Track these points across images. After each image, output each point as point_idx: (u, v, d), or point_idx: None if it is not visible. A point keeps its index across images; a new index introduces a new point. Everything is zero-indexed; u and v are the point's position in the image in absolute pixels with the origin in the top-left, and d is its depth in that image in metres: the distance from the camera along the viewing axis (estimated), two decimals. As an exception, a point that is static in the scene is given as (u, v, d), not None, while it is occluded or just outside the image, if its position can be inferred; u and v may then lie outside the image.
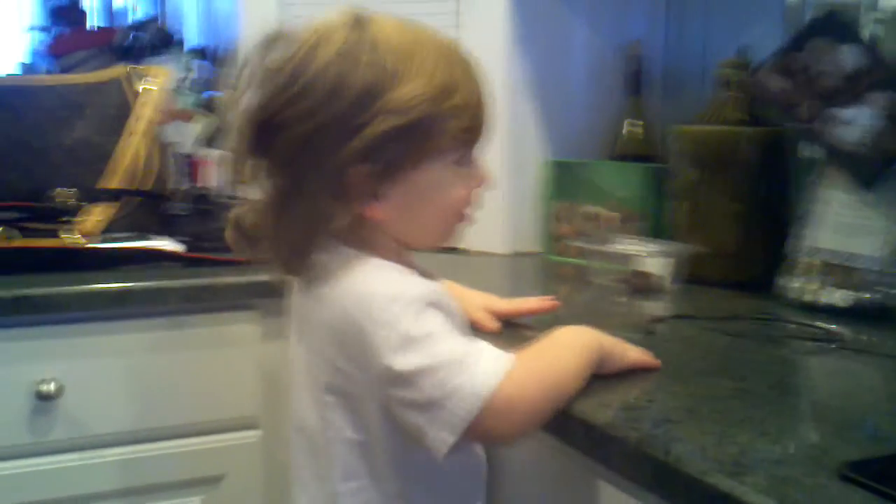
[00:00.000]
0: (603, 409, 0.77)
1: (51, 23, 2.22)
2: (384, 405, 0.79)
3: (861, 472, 0.62)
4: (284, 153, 0.80)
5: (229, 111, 0.83)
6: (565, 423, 0.79)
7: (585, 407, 0.78)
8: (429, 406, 0.74)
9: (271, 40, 0.82)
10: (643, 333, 1.04)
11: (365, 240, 0.84)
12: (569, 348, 0.83)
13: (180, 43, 1.96)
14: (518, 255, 1.61)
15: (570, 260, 1.55)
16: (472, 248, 1.61)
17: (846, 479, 0.62)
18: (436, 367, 0.74)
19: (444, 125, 0.81)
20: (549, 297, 1.09)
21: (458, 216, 0.88)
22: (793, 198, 1.32)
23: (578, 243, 1.44)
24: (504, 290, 1.40)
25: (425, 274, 0.88)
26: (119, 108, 1.54)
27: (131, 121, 1.53)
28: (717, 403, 0.80)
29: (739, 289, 1.32)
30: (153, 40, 1.93)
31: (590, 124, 1.67)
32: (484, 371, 0.75)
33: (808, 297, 1.22)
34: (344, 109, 0.78)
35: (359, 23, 0.81)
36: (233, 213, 0.87)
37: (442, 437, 0.74)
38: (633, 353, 0.89)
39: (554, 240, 1.60)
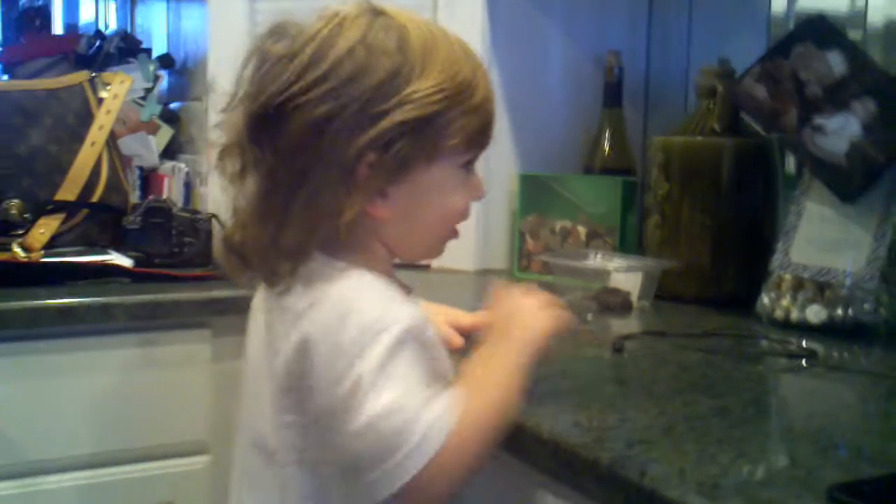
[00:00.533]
0: (572, 429, 0.72)
1: (14, 30, 2.15)
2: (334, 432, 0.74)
3: (851, 494, 0.57)
4: (294, 141, 0.75)
5: (221, 111, 0.79)
6: (530, 444, 0.74)
7: (553, 426, 0.73)
8: (368, 457, 0.70)
9: (276, 31, 0.78)
10: (611, 351, 1.00)
11: (355, 245, 0.79)
12: (517, 363, 0.78)
13: (147, 51, 1.89)
14: (485, 272, 1.56)
15: (539, 277, 1.50)
16: (437, 264, 1.56)
17: (835, 501, 0.57)
18: (382, 418, 0.69)
19: (461, 123, 0.78)
20: None
21: (451, 229, 0.86)
22: (773, 211, 1.28)
23: (546, 259, 1.40)
24: (468, 308, 1.35)
25: (403, 288, 0.83)
26: (79, 116, 1.47)
27: (93, 130, 1.47)
28: (693, 422, 0.75)
29: (714, 306, 1.28)
30: (119, 48, 1.86)
31: (566, 137, 1.62)
32: (425, 436, 0.69)
33: (779, 314, 1.18)
34: (367, 94, 0.75)
35: (378, 13, 0.79)
36: (222, 236, 0.84)
37: (377, 489, 0.70)
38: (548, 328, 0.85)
39: (523, 256, 1.55)
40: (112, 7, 2.49)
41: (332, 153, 0.75)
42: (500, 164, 1.56)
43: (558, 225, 1.52)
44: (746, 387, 0.88)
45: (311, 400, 0.75)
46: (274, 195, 0.77)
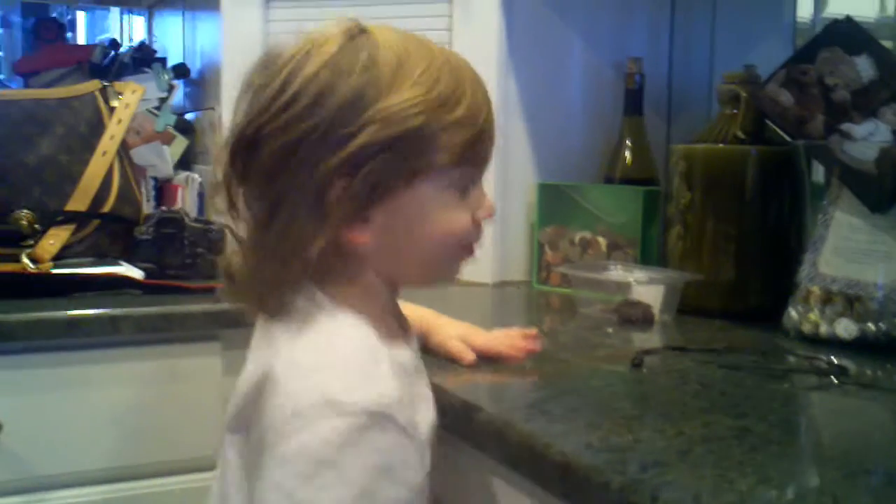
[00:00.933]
0: (584, 450, 0.68)
1: (31, 40, 2.15)
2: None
3: (881, 527, 0.53)
4: (265, 171, 0.73)
5: (211, 139, 0.77)
6: (541, 464, 0.70)
7: (564, 447, 0.69)
8: None
9: (261, 63, 0.76)
10: (629, 367, 0.96)
11: (346, 276, 0.76)
12: None
13: (162, 61, 1.88)
14: (504, 285, 1.52)
15: (558, 289, 1.47)
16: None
17: (863, 534, 0.53)
18: None
19: (443, 140, 0.73)
20: (530, 334, 0.98)
21: (458, 249, 0.80)
22: (799, 221, 1.23)
23: (565, 271, 1.36)
24: (487, 322, 1.31)
25: (401, 326, 0.80)
26: (91, 125, 1.45)
27: (104, 139, 1.45)
28: (712, 444, 0.71)
29: (739, 320, 1.23)
30: (133, 58, 1.86)
31: (586, 146, 1.59)
32: None
33: (808, 328, 1.13)
34: (330, 116, 0.71)
35: (356, 31, 0.76)
36: (222, 262, 0.80)
37: None
38: None
39: (542, 268, 1.51)
40: (138, 21, 2.50)
41: (302, 180, 0.72)
42: (517, 173, 1.53)
43: (578, 236, 1.48)
44: (771, 406, 0.84)
45: (250, 435, 0.72)
46: (254, 226, 0.75)
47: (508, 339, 0.98)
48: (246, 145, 0.74)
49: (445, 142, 0.74)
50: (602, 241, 1.46)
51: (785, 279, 1.21)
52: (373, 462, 0.67)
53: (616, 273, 1.32)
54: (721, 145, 1.29)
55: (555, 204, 1.51)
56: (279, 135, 0.72)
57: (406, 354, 0.79)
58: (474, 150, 0.76)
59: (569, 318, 1.28)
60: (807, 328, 1.13)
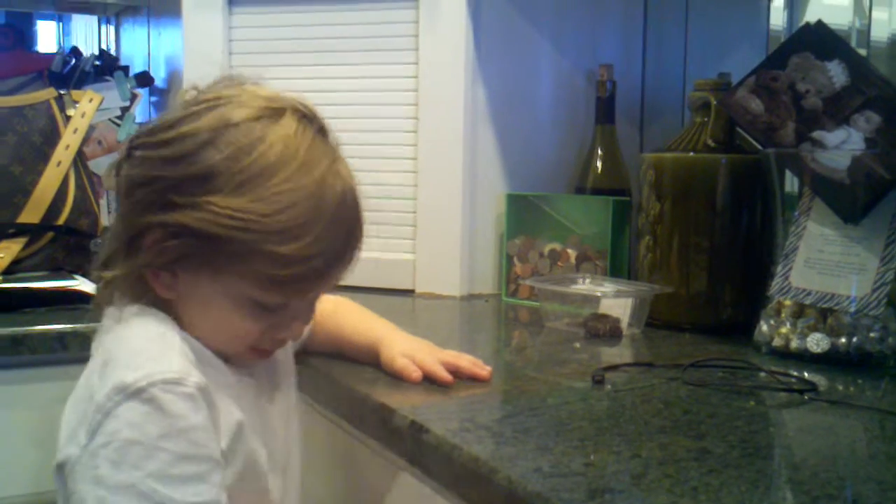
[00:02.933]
0: (531, 475, 0.64)
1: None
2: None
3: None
4: (121, 186, 0.78)
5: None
6: (486, 490, 0.66)
7: (511, 471, 0.65)
8: None
9: (192, 88, 0.80)
10: (590, 384, 0.92)
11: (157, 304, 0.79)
12: None
13: (124, 69, 1.84)
14: (472, 297, 1.48)
15: (526, 302, 1.43)
16: (422, 289, 1.48)
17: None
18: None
19: (258, 262, 0.73)
20: (479, 366, 0.93)
21: (244, 347, 0.81)
22: (770, 232, 1.20)
23: (533, 283, 1.32)
24: (453, 336, 1.28)
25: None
26: (45, 134, 1.42)
27: (59, 149, 1.41)
28: (668, 467, 0.67)
29: (709, 334, 1.20)
30: (95, 66, 1.81)
31: (556, 155, 1.55)
32: None
33: (778, 342, 1.10)
34: (175, 180, 0.73)
35: (272, 112, 0.75)
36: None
37: None
38: None
39: (511, 280, 1.47)
40: (109, 31, 2.45)
41: (133, 212, 0.76)
42: (486, 183, 1.49)
43: (547, 247, 1.45)
44: (735, 426, 0.80)
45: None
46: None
47: (456, 362, 0.93)
48: (126, 154, 0.78)
49: (260, 265, 0.73)
50: (572, 252, 1.42)
51: (757, 292, 1.18)
52: (170, 426, 0.69)
53: (584, 286, 1.29)
54: (691, 154, 1.25)
55: (524, 215, 1.47)
56: (136, 163, 0.76)
57: (218, 363, 0.79)
58: (290, 284, 0.75)
59: (536, 333, 1.25)
60: (778, 342, 1.10)
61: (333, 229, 0.75)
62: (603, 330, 1.19)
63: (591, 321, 1.21)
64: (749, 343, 1.14)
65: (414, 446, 0.76)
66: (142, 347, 0.74)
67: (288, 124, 0.75)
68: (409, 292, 1.49)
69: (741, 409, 0.86)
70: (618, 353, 1.12)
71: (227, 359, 0.80)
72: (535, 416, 0.80)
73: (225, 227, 0.72)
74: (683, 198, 1.24)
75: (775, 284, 1.14)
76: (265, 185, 0.72)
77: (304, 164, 0.74)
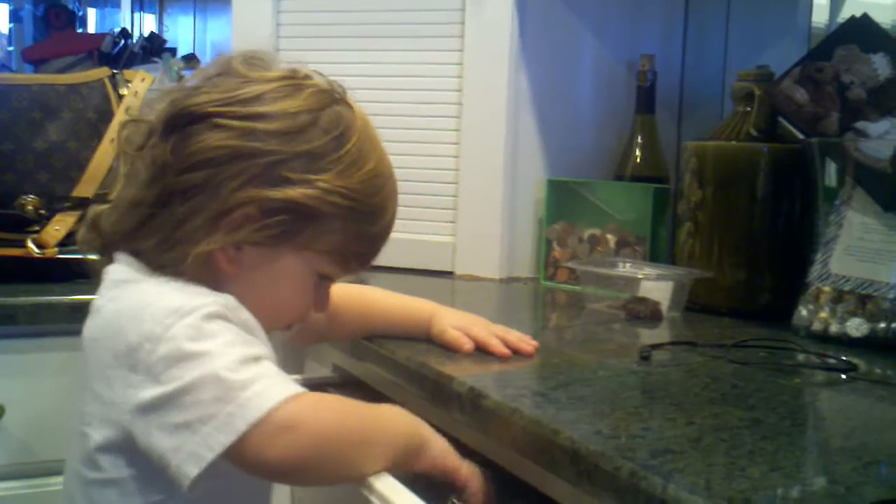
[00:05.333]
0: (593, 436, 0.67)
1: (39, 27, 2.15)
2: (140, 437, 0.70)
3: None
4: (198, 156, 0.75)
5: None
6: (549, 451, 0.69)
7: (573, 432, 0.68)
8: (181, 429, 0.66)
9: (253, 55, 0.80)
10: (637, 360, 0.94)
11: (203, 283, 0.77)
12: (384, 420, 0.75)
13: (171, 51, 1.88)
14: (511, 280, 1.51)
15: (566, 286, 1.45)
16: (462, 271, 1.51)
17: (879, 520, 0.52)
18: (200, 385, 0.67)
19: (342, 238, 0.79)
20: (529, 341, 0.96)
21: (286, 320, 0.85)
22: (810, 220, 1.22)
23: (574, 266, 1.35)
24: (492, 317, 1.29)
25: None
26: (99, 112, 1.45)
27: (112, 126, 1.44)
28: (722, 433, 0.69)
29: (748, 318, 1.22)
30: (143, 47, 1.85)
31: (596, 142, 1.57)
32: (259, 394, 0.67)
33: (818, 326, 1.12)
34: (284, 156, 0.75)
35: (339, 98, 0.80)
36: (92, 211, 0.83)
37: (185, 471, 0.66)
38: (455, 462, 0.76)
39: (549, 264, 1.50)
40: (148, 18, 2.49)
41: (224, 188, 0.74)
42: (527, 168, 1.52)
43: (587, 233, 1.47)
44: (781, 399, 0.82)
45: (112, 404, 0.72)
46: (151, 193, 0.76)
47: (506, 336, 0.96)
48: (191, 118, 0.75)
49: (341, 240, 0.79)
50: (611, 238, 1.45)
51: (795, 279, 1.19)
52: (231, 328, 0.72)
53: (625, 269, 1.31)
54: (733, 142, 1.28)
55: (563, 200, 1.50)
56: (230, 135, 0.74)
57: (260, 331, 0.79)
58: (356, 260, 0.83)
59: (576, 315, 1.27)
60: (817, 326, 1.12)
61: (394, 211, 0.83)
62: (643, 312, 1.22)
63: (631, 304, 1.24)
64: (787, 327, 1.16)
65: (473, 412, 0.79)
66: (180, 292, 0.74)
67: (356, 109, 0.81)
68: (448, 274, 1.52)
69: (786, 385, 0.88)
70: (659, 335, 1.15)
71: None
72: (588, 386, 0.83)
73: (334, 206, 0.76)
74: (725, 185, 1.26)
75: (815, 271, 1.16)
76: (364, 168, 0.78)
77: (380, 147, 0.81)
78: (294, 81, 0.78)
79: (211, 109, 0.75)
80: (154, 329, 0.69)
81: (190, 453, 0.66)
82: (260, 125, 0.75)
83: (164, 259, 0.77)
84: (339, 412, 0.72)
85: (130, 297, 0.75)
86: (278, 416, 0.66)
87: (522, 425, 0.72)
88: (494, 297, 1.44)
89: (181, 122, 0.76)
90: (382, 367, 0.98)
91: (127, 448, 0.72)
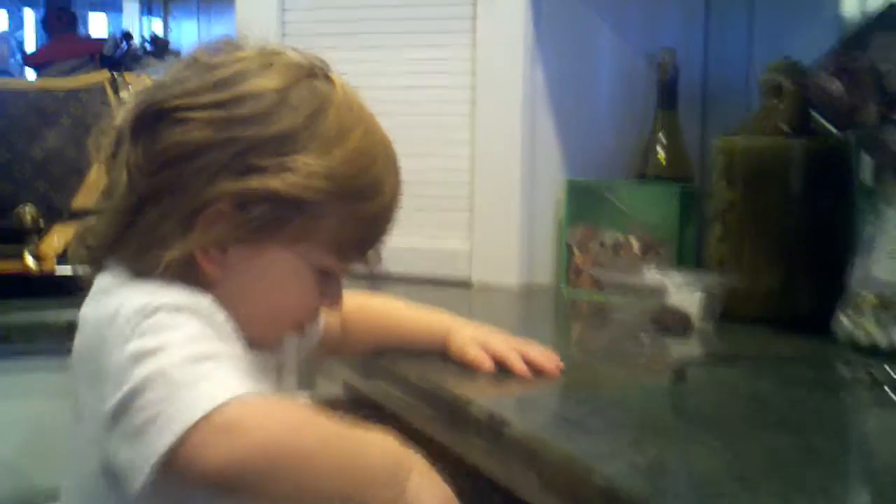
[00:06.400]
0: (630, 474, 0.60)
1: (43, 31, 2.10)
2: (111, 455, 0.62)
3: None
4: (165, 153, 0.69)
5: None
6: (581, 488, 0.62)
7: (606, 468, 0.61)
8: (133, 437, 0.59)
9: (219, 43, 0.75)
10: (672, 379, 0.88)
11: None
12: (361, 444, 0.63)
13: (176, 53, 1.82)
14: (531, 287, 1.44)
15: (589, 294, 1.38)
16: (478, 278, 1.45)
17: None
18: (149, 384, 0.59)
19: (334, 226, 0.71)
20: (552, 358, 0.87)
21: (288, 322, 0.77)
22: (849, 220, 1.15)
23: (597, 274, 1.28)
24: (512, 328, 1.23)
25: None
26: (99, 118, 1.40)
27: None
28: (770, 464, 0.62)
29: (784, 327, 1.14)
30: (145, 49, 1.80)
31: (616, 141, 1.50)
32: (204, 393, 0.58)
33: (860, 337, 1.04)
34: (252, 142, 0.69)
35: (318, 72, 0.74)
36: (81, 225, 0.77)
37: (135, 476, 0.58)
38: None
39: (571, 271, 1.43)
40: (156, 23, 2.46)
41: (191, 184, 0.68)
42: (544, 168, 1.45)
43: (609, 236, 1.40)
44: (830, 421, 0.75)
45: (94, 416, 0.65)
46: (128, 201, 0.71)
47: (528, 352, 0.89)
48: (157, 115, 0.70)
49: (335, 228, 0.71)
50: (635, 242, 1.38)
51: (834, 283, 1.12)
52: (194, 328, 0.64)
53: (651, 277, 1.24)
54: (764, 138, 1.20)
55: (584, 202, 1.42)
56: (194, 127, 0.69)
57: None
58: (359, 248, 0.75)
59: (601, 326, 1.21)
60: (860, 337, 1.04)
61: (394, 189, 0.74)
62: (673, 323, 1.15)
63: (660, 314, 1.17)
64: (826, 337, 1.09)
65: (494, 440, 0.72)
66: (156, 289, 0.68)
67: (335, 82, 0.74)
68: (463, 282, 1.45)
69: (831, 406, 0.81)
70: (691, 348, 1.08)
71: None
72: (622, 411, 0.76)
73: (317, 190, 0.69)
74: (756, 184, 1.19)
75: (854, 275, 1.08)
76: (346, 145, 0.70)
77: (367, 119, 0.74)
78: (261, 60, 0.72)
79: (174, 103, 0.70)
80: (123, 330, 0.63)
81: (134, 464, 0.58)
82: (222, 113, 0.69)
83: (142, 267, 0.70)
84: (297, 421, 0.62)
85: (109, 304, 0.68)
86: (219, 416, 0.57)
87: (551, 460, 0.65)
88: (514, 306, 1.38)
89: (148, 121, 0.71)
90: (394, 385, 0.91)
91: None
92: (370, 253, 0.76)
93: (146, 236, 0.70)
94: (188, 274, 0.70)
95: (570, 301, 1.39)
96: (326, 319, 0.87)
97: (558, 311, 1.37)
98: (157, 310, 0.64)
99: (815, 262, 1.18)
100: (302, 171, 0.68)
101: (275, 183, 0.68)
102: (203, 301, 0.68)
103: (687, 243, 1.34)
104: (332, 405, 1.10)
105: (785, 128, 1.20)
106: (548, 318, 1.33)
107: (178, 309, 0.65)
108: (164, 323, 0.63)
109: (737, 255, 1.21)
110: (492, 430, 0.73)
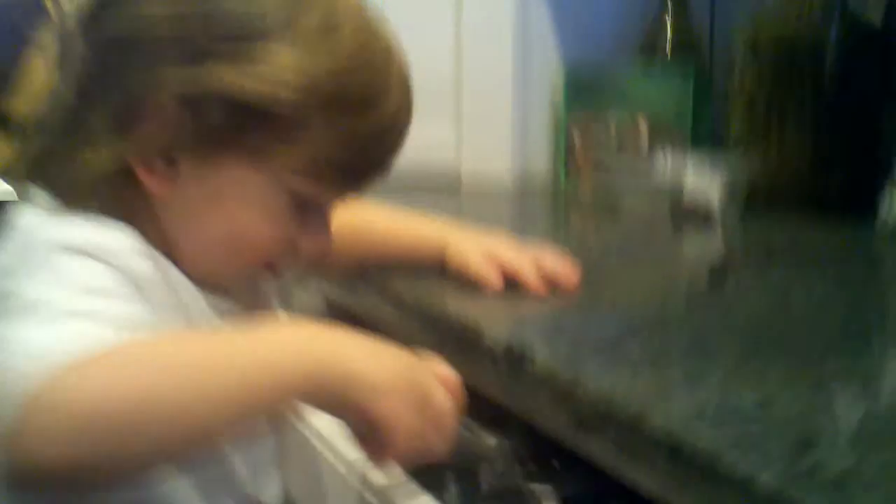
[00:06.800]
0: (695, 423, 0.47)
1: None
2: None
3: None
4: (108, 43, 0.55)
5: None
6: (634, 441, 0.49)
7: (667, 417, 0.48)
8: None
9: None
10: (708, 284, 0.75)
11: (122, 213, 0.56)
12: (244, 355, 0.47)
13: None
14: (524, 179, 1.30)
15: (592, 185, 1.25)
16: (468, 172, 1.30)
17: None
18: (6, 349, 0.45)
19: (315, 141, 0.55)
20: (570, 269, 0.74)
21: (257, 258, 0.60)
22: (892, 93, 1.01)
23: (604, 164, 1.14)
24: (508, 227, 1.10)
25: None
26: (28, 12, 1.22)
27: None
28: (869, 395, 0.50)
29: (815, 211, 1.02)
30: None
31: (618, 20, 1.33)
32: (27, 356, 0.44)
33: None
34: (206, 22, 0.54)
35: None
36: (19, 134, 0.61)
37: None
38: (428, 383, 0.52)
39: (570, 160, 1.29)
40: None
41: (128, 77, 0.54)
42: (539, 49, 1.30)
43: (614, 125, 1.25)
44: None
45: None
46: (65, 102, 0.56)
47: (542, 261, 0.75)
48: (108, 2, 0.56)
49: (319, 146, 0.56)
50: (643, 126, 1.23)
51: (872, 160, 1.00)
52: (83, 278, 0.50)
53: (665, 163, 1.10)
54: (797, 5, 1.05)
55: (584, 89, 1.27)
56: (144, 5, 0.54)
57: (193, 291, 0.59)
58: (348, 173, 0.59)
59: (612, 223, 1.07)
60: (913, 222, 0.92)
61: (403, 90, 0.59)
62: (694, 215, 1.02)
63: (678, 205, 1.04)
64: (871, 222, 0.96)
65: (514, 377, 0.59)
66: (67, 226, 0.54)
67: None
68: (450, 175, 1.31)
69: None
70: (719, 243, 0.95)
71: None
72: (664, 333, 0.63)
73: (289, 94, 0.53)
74: (787, 57, 1.05)
75: (900, 153, 0.95)
76: (334, 39, 0.55)
77: (366, 14, 0.58)
78: None
79: None
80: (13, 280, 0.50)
81: None
82: None
83: (67, 190, 0.56)
84: (135, 373, 0.44)
85: (15, 247, 0.54)
86: (45, 392, 0.42)
87: (589, 401, 0.52)
88: (508, 202, 1.24)
89: (95, 13, 0.56)
90: (389, 304, 0.78)
91: None
92: (365, 182, 0.61)
93: (75, 144, 0.56)
94: (126, 196, 0.56)
95: (571, 194, 1.25)
96: None
97: (557, 205, 1.23)
98: (52, 248, 0.50)
99: (852, 140, 1.04)
100: (271, 65, 0.53)
101: (231, 76, 0.53)
102: (120, 243, 0.53)
103: (702, 129, 1.20)
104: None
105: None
106: (547, 215, 1.20)
107: (71, 250, 0.51)
108: (52, 266, 0.50)
109: (762, 135, 1.08)
110: (510, 364, 0.60)
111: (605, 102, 1.26)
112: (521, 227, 1.14)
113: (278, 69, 0.53)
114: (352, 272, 0.81)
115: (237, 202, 0.57)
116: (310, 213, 0.60)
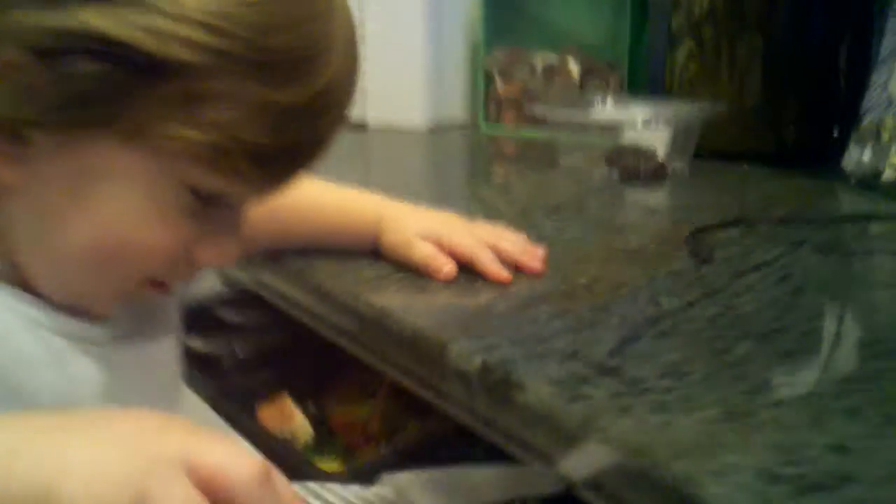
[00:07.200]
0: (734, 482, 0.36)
1: None
2: None
3: None
4: None
5: None
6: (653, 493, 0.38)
7: (719, 485, 0.37)
8: None
9: None
10: (690, 259, 0.63)
11: None
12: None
13: None
14: (441, 129, 1.17)
15: (514, 132, 1.12)
16: (374, 121, 1.16)
17: None
18: None
19: (229, 123, 0.40)
20: (533, 252, 0.62)
21: (136, 272, 0.45)
22: (860, 31, 0.92)
23: (538, 109, 1.01)
24: (430, 183, 0.97)
25: None
26: None
27: None
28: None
29: (772, 163, 0.94)
30: None
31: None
32: None
33: (886, 172, 0.84)
34: None
35: None
36: None
37: None
38: None
39: (491, 103, 1.16)
40: None
41: None
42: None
43: (540, 60, 1.12)
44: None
45: None
46: None
47: (497, 242, 0.62)
48: None
49: (225, 125, 0.40)
50: (573, 66, 1.11)
51: (835, 110, 0.92)
52: None
53: (606, 109, 0.99)
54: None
55: (506, 19, 1.14)
56: None
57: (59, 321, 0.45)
58: (264, 165, 0.43)
59: (549, 177, 0.95)
60: (890, 173, 0.84)
61: (347, 56, 0.44)
62: (643, 169, 0.91)
63: (621, 157, 0.92)
64: (834, 174, 0.88)
65: (495, 405, 0.47)
66: None
67: None
68: (356, 124, 1.16)
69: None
70: (675, 202, 0.85)
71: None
72: (662, 336, 0.51)
73: (187, 46, 0.38)
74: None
75: (870, 99, 0.87)
76: None
77: None
78: None
79: None
80: None
81: None
82: None
83: None
84: None
85: None
86: None
87: (610, 450, 0.40)
88: (424, 153, 1.10)
89: None
90: (311, 296, 0.64)
91: None
92: (289, 176, 0.45)
93: None
94: None
95: (493, 142, 1.12)
96: None
97: (479, 156, 1.10)
98: None
99: (811, 83, 0.95)
100: (160, 8, 0.38)
101: (104, 22, 0.38)
102: None
103: (638, 65, 1.09)
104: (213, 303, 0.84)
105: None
106: (472, 171, 1.06)
107: None
108: None
109: (713, 77, 0.97)
110: (489, 390, 0.47)
111: (529, 37, 1.13)
112: (437, 181, 1.00)
113: (171, 13, 0.38)
114: (262, 254, 0.66)
115: (109, 197, 0.42)
116: (211, 210, 0.45)
